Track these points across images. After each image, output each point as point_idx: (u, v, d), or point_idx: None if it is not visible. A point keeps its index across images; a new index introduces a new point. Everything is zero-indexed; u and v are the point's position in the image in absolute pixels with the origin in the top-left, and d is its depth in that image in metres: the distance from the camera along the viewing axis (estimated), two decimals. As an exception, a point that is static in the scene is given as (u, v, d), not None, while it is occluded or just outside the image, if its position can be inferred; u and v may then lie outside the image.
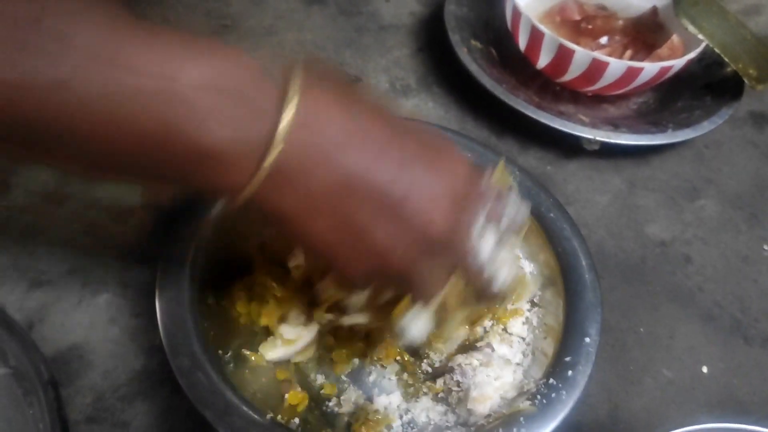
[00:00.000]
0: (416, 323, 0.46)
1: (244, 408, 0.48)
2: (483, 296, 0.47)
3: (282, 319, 0.56)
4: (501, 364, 0.54)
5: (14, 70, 0.32)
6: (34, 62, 0.32)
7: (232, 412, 0.47)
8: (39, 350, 0.53)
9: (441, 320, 0.47)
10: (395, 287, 0.45)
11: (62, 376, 0.56)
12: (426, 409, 0.54)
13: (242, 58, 0.37)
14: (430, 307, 0.45)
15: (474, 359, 0.54)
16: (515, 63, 0.83)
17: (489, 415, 0.51)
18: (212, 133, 0.35)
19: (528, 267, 0.61)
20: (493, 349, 0.56)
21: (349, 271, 0.43)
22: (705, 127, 0.74)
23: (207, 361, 0.50)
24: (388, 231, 0.40)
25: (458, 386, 0.53)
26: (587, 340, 0.53)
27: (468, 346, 0.56)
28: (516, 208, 0.46)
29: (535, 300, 0.59)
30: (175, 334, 0.51)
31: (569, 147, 0.75)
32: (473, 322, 0.57)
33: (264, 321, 0.56)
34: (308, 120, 0.37)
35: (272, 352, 0.55)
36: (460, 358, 0.54)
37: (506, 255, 0.46)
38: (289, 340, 0.55)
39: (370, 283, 0.45)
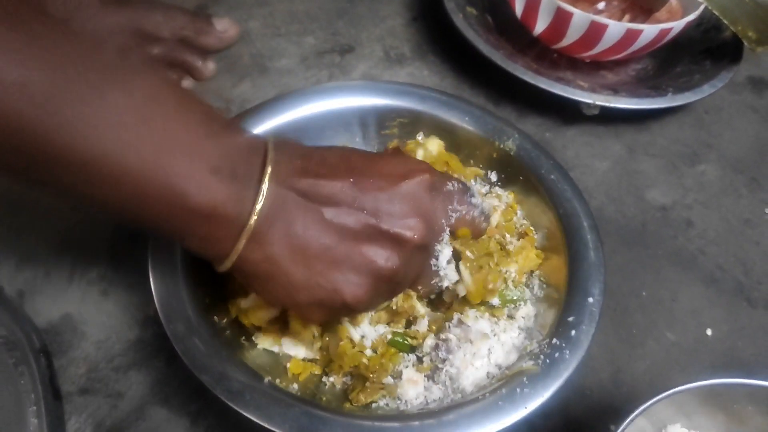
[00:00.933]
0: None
1: (242, 372, 0.47)
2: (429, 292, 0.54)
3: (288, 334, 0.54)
4: (480, 338, 0.53)
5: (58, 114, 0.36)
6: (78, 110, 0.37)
7: (229, 376, 0.46)
8: (30, 319, 0.52)
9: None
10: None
11: (54, 348, 0.55)
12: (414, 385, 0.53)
13: (238, 137, 0.44)
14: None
15: (451, 334, 0.53)
16: (511, 30, 0.81)
17: (484, 387, 0.50)
18: (217, 194, 0.41)
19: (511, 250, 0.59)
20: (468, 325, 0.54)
21: (345, 297, 0.45)
22: (705, 91, 0.73)
23: (202, 327, 0.49)
24: (369, 250, 0.45)
25: (443, 363, 0.52)
26: (590, 300, 0.52)
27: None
28: (479, 206, 0.52)
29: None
30: (169, 301, 0.50)
31: (568, 113, 0.74)
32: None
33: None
34: (281, 182, 0.43)
35: (266, 345, 0.54)
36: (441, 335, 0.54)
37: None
38: (287, 354, 0.54)
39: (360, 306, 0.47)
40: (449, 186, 0.50)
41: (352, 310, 0.47)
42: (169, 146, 0.40)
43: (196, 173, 0.41)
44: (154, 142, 0.39)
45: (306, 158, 0.46)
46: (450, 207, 0.50)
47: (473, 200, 0.52)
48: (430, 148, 0.61)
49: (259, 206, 0.42)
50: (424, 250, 0.48)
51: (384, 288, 0.46)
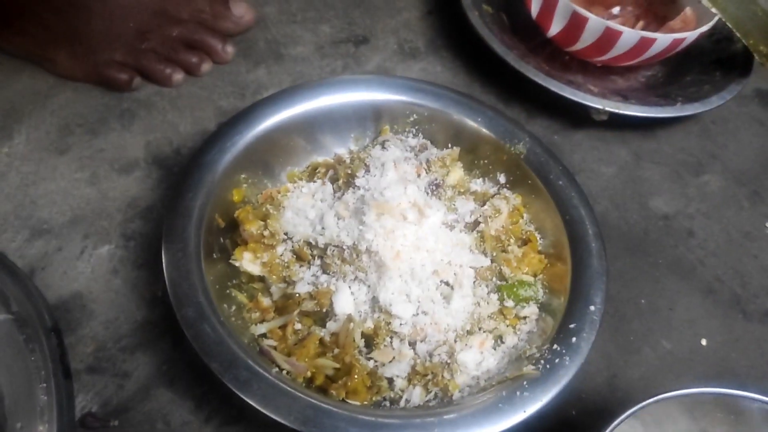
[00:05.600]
0: None
1: (250, 361, 0.48)
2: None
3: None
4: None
5: None
6: None
7: (238, 365, 0.47)
8: (42, 296, 0.53)
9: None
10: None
11: (63, 325, 0.56)
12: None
13: None
14: None
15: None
16: (525, 30, 0.82)
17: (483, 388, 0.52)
18: None
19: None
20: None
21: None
22: (714, 102, 0.74)
23: (212, 314, 0.50)
24: None
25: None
26: (592, 308, 0.53)
27: None
28: None
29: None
30: (180, 286, 0.51)
31: (577, 117, 0.75)
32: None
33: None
34: None
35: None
36: None
37: None
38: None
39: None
40: None
41: None
42: None
43: None
44: None
45: None
46: None
47: None
48: (449, 180, 0.62)
49: None
50: None
51: None
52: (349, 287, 0.54)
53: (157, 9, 0.71)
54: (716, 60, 0.81)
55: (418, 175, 0.60)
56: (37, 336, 0.51)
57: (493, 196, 0.63)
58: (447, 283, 0.56)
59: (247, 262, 0.55)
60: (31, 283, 0.54)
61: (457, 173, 0.62)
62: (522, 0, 0.79)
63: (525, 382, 0.49)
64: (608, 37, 0.71)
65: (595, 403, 0.57)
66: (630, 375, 0.59)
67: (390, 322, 0.53)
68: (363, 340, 0.54)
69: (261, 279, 0.57)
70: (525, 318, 0.57)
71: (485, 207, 0.61)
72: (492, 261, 0.59)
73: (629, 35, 0.70)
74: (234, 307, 0.54)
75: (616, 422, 0.44)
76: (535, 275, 0.59)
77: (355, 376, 0.50)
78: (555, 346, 0.51)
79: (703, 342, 0.62)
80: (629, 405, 0.45)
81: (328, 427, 0.45)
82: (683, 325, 0.63)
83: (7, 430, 0.47)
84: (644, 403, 0.45)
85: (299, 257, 0.57)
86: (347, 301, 0.54)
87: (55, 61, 0.70)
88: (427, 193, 0.59)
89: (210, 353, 0.48)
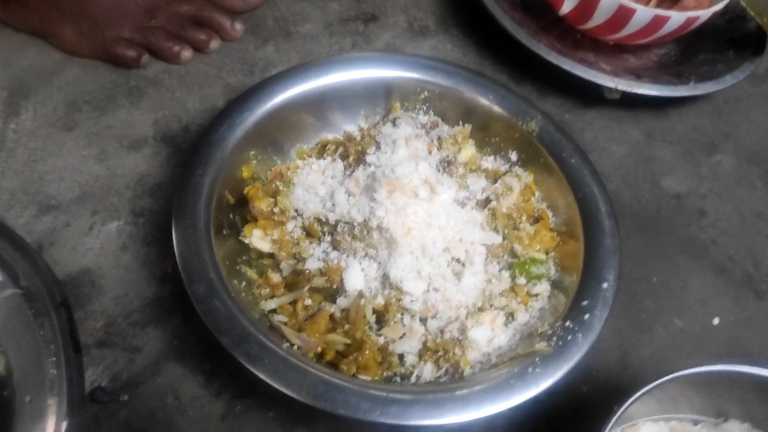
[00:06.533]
0: None
1: (261, 336, 0.47)
2: None
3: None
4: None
5: None
6: None
7: (249, 340, 0.47)
8: (51, 271, 0.53)
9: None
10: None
11: (72, 300, 0.55)
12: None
13: None
14: None
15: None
16: (536, 8, 0.81)
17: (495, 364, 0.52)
18: None
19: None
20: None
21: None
22: (727, 81, 0.73)
23: (223, 290, 0.49)
24: None
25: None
26: (605, 285, 0.53)
27: None
28: None
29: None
30: (191, 262, 0.51)
31: (588, 95, 0.74)
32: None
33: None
34: None
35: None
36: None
37: None
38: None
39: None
40: None
41: None
42: None
43: None
44: None
45: None
46: None
47: None
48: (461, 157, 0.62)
49: None
50: None
51: None
52: (360, 264, 0.54)
53: (166, -15, 0.70)
54: (729, 39, 0.80)
55: (430, 153, 0.60)
56: (46, 310, 0.51)
57: (504, 174, 0.62)
58: (458, 261, 0.56)
59: (257, 239, 0.55)
60: (40, 257, 0.54)
61: (468, 151, 0.62)
62: (533, -23, 0.79)
63: (537, 359, 0.49)
64: (621, 15, 0.71)
65: (606, 380, 0.57)
66: (641, 353, 0.59)
67: (401, 299, 0.53)
68: (374, 316, 0.53)
69: (271, 255, 0.57)
70: (536, 295, 0.56)
71: (497, 184, 0.60)
72: (504, 238, 0.58)
73: (643, 13, 0.70)
74: (244, 283, 0.54)
75: (631, 399, 0.44)
76: (546, 253, 0.58)
77: (366, 352, 0.50)
78: (567, 323, 0.51)
79: (715, 321, 0.62)
80: (641, 382, 0.44)
81: (339, 401, 0.45)
82: (695, 303, 0.63)
83: (16, 404, 0.47)
84: (660, 380, 0.44)
85: (309, 234, 0.57)
86: (357, 277, 0.54)
87: (61, 36, 0.69)
88: (439, 171, 0.59)
89: (221, 328, 0.47)
